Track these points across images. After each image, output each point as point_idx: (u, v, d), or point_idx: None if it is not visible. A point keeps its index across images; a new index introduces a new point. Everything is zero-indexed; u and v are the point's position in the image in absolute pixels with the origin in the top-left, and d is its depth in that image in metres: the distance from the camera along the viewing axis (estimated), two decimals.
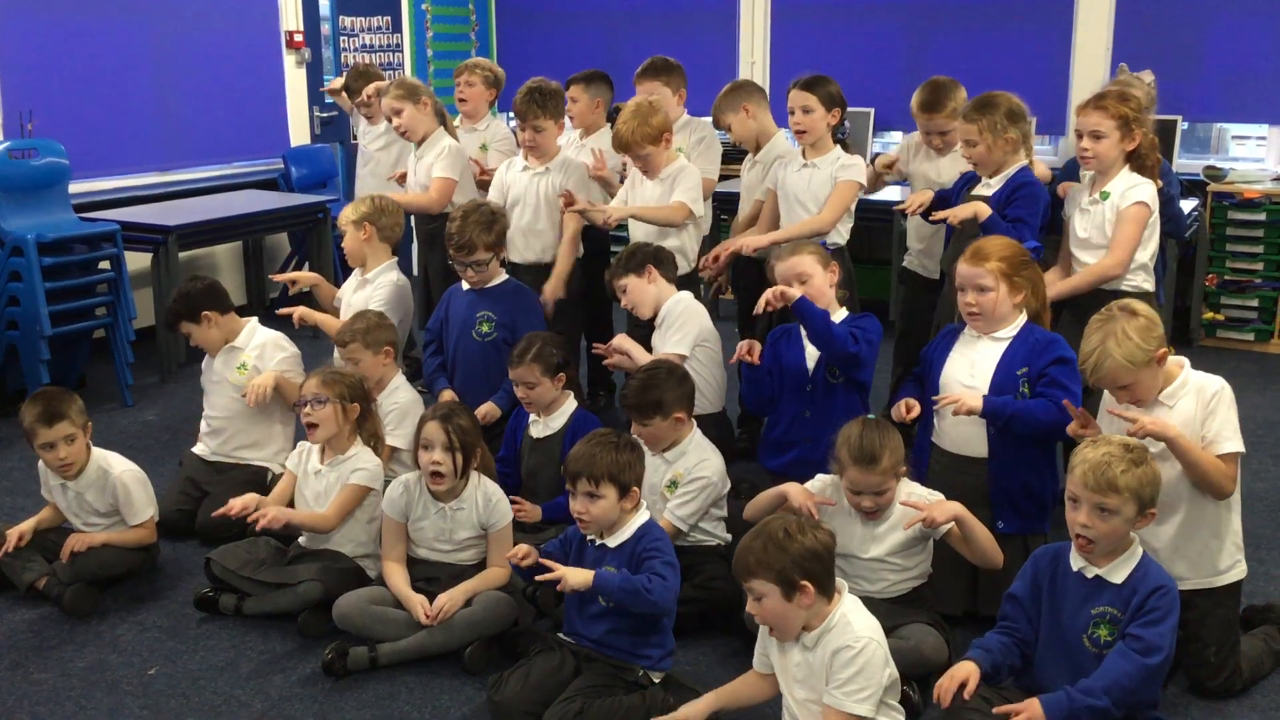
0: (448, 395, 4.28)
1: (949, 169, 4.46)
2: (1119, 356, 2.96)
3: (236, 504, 3.55)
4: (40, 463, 3.85)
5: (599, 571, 2.99)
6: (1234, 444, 3.02)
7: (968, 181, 4.20)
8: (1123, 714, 2.69)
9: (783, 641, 2.74)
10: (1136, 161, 3.85)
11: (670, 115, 4.73)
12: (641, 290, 4.11)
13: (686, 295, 4.19)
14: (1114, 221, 3.80)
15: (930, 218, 4.10)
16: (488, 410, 4.19)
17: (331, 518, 3.61)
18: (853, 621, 2.66)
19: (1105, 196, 3.83)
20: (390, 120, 5.20)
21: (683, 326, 4.08)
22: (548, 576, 2.98)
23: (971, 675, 2.74)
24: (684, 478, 3.54)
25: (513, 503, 3.60)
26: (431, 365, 4.50)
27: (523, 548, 3.09)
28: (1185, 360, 3.12)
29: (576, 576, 2.98)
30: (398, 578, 3.44)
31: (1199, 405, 3.03)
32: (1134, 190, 3.79)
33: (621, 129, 4.39)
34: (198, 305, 4.29)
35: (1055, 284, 3.84)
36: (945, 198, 4.24)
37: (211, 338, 4.31)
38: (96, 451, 3.83)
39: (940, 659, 3.11)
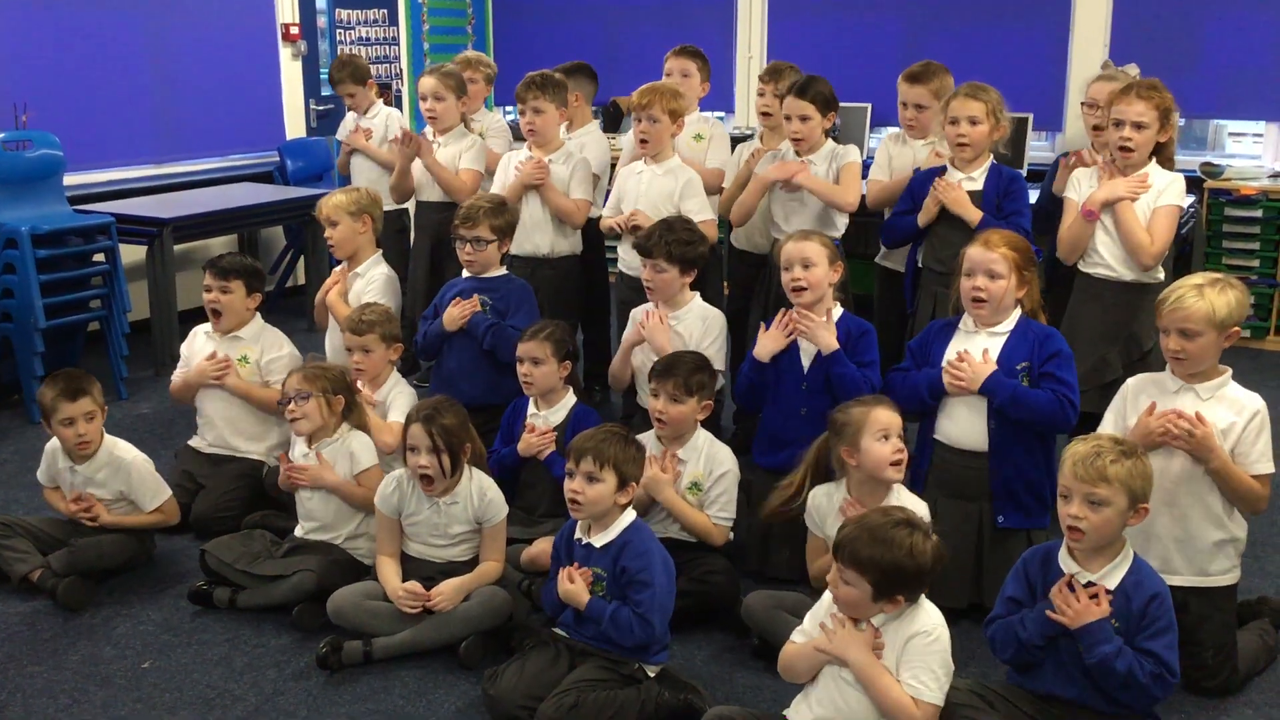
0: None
1: (922, 159, 4.45)
2: (1211, 300, 2.98)
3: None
4: (47, 445, 3.86)
5: (594, 601, 3.03)
6: (1270, 465, 3.05)
7: (931, 176, 4.18)
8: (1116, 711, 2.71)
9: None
10: (1160, 153, 3.88)
11: (690, 98, 4.86)
12: (673, 284, 4.02)
13: (717, 311, 4.15)
14: (1150, 215, 3.82)
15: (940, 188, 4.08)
16: (469, 305, 4.23)
17: (370, 496, 3.60)
18: (925, 607, 2.64)
19: None
20: (425, 100, 5.20)
21: (719, 344, 4.05)
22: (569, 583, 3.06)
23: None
24: (705, 478, 3.54)
25: (511, 496, 3.61)
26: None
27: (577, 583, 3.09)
28: (1229, 369, 3.11)
29: (579, 596, 3.04)
30: (389, 570, 3.43)
31: (1236, 417, 3.03)
32: (1170, 191, 3.83)
33: (645, 90, 4.43)
34: (260, 281, 4.35)
35: (1119, 208, 3.84)
36: (913, 196, 4.24)
37: (241, 312, 4.31)
38: (107, 437, 3.85)
39: None
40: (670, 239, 3.97)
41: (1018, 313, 3.46)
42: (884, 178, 4.59)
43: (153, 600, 3.68)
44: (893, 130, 4.84)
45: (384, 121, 6.06)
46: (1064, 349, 3.42)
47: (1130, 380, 3.24)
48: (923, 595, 2.66)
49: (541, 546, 3.65)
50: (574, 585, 3.04)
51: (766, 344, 3.74)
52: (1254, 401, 3.05)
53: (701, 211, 4.46)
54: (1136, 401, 3.17)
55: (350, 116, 6.20)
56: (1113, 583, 2.71)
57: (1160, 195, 3.83)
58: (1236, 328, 3.04)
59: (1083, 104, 4.73)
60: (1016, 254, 3.41)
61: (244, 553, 3.63)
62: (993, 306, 3.42)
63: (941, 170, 4.18)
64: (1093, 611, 2.66)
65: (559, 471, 3.56)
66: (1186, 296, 3.00)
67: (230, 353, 4.29)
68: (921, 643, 2.60)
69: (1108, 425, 3.20)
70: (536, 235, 4.75)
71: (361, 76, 6.14)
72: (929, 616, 2.64)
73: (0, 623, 3.54)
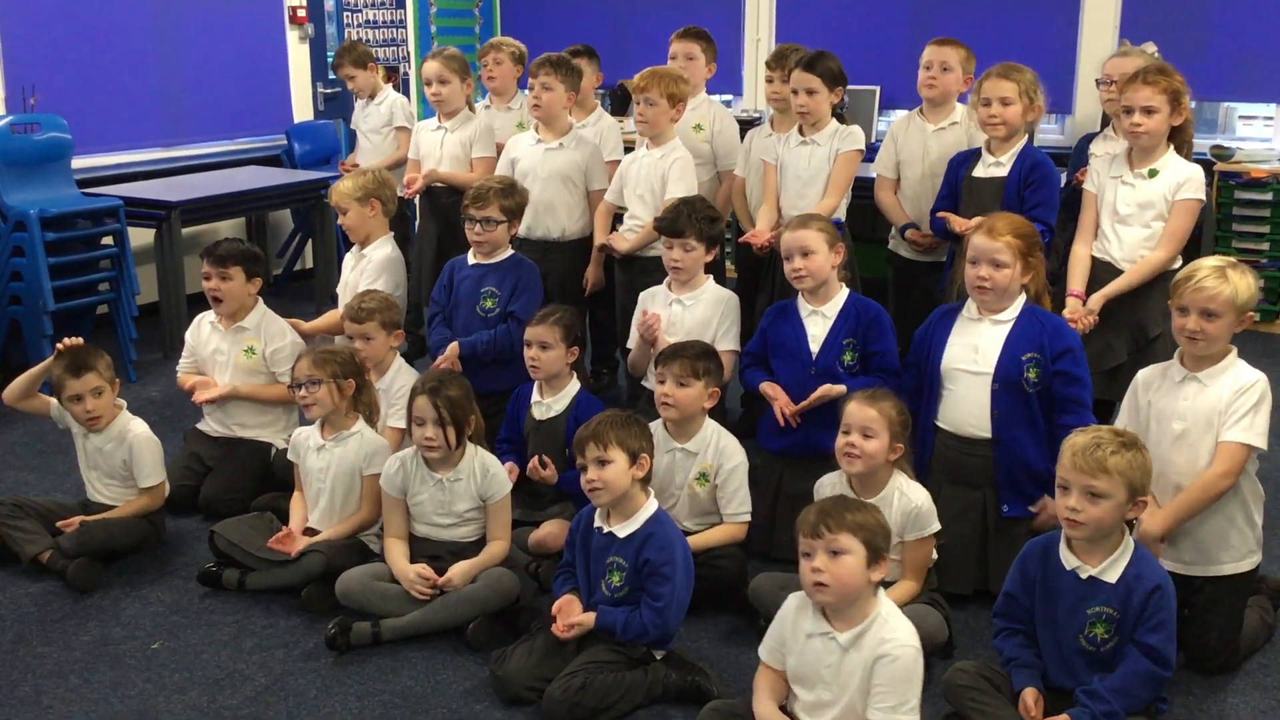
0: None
1: (936, 144, 4.43)
2: (1235, 283, 2.97)
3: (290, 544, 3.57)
4: (66, 414, 3.87)
5: (603, 613, 3.04)
6: (1251, 438, 2.99)
7: (965, 161, 4.18)
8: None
9: (825, 605, 2.60)
10: (1177, 138, 3.85)
11: (696, 80, 4.87)
12: (698, 263, 4.01)
13: (730, 292, 4.12)
14: (1169, 212, 3.80)
15: (950, 228, 4.05)
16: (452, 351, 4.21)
17: (369, 515, 3.63)
18: (892, 624, 2.56)
19: (1154, 174, 3.82)
20: (430, 84, 5.20)
21: (734, 326, 4.04)
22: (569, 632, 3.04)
23: (1039, 700, 2.73)
24: (714, 470, 3.51)
25: (522, 477, 3.61)
26: (442, 335, 4.44)
27: (572, 609, 3.10)
28: (1234, 348, 3.10)
29: (584, 624, 3.05)
30: (397, 552, 3.44)
31: (1231, 390, 3.02)
32: (1190, 185, 3.80)
33: (645, 73, 4.44)
34: (259, 266, 4.33)
35: (1108, 284, 3.82)
36: (951, 182, 4.22)
37: (243, 299, 4.29)
38: (123, 413, 3.87)
39: (941, 637, 3.12)
40: (698, 217, 3.96)
41: (1022, 298, 3.44)
42: (890, 175, 4.58)
43: (162, 581, 3.70)
44: (900, 114, 4.81)
45: (388, 110, 6.07)
46: (1075, 344, 3.40)
47: (1140, 373, 3.23)
48: (891, 605, 2.60)
49: (549, 529, 3.65)
50: (572, 631, 3.03)
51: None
52: (1253, 376, 3.04)
53: (687, 194, 4.39)
54: (1147, 394, 3.16)
55: (360, 104, 6.21)
56: (1114, 576, 2.70)
57: (1180, 189, 3.80)
58: (1251, 312, 3.04)
59: (1098, 80, 4.71)
60: (1021, 241, 3.38)
61: (252, 534, 3.64)
62: (997, 295, 3.41)
63: (975, 153, 4.16)
64: None
65: (576, 488, 3.59)
66: (1210, 278, 2.99)
67: (235, 345, 4.29)
68: (887, 666, 2.51)
69: (1123, 420, 3.20)
70: (548, 219, 4.74)
71: (361, 60, 6.16)
72: (901, 636, 2.54)
73: (10, 603, 3.56)
